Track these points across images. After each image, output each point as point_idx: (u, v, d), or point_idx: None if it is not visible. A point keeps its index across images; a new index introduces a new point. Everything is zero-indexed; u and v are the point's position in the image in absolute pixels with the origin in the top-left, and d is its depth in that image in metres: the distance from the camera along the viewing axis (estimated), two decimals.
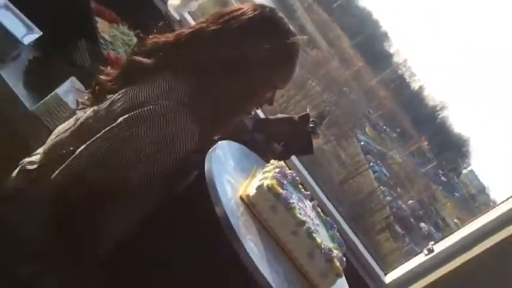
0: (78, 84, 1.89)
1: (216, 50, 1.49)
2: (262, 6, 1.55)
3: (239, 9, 1.53)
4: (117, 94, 1.43)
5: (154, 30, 1.59)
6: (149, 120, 1.34)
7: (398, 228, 18.12)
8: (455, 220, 20.50)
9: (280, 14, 1.60)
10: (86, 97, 1.53)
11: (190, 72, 1.48)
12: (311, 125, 2.59)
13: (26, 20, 1.97)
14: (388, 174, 21.10)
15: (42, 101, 1.80)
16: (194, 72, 1.49)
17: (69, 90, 1.84)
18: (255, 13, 1.52)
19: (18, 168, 1.49)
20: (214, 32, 1.49)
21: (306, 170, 3.03)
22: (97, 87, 1.49)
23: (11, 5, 1.96)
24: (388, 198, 19.30)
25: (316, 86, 18.87)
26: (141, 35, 1.59)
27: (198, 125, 1.46)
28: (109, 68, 1.56)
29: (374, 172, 20.15)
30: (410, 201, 20.36)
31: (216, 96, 1.54)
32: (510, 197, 2.79)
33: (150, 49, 1.52)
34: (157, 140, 1.36)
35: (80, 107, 1.53)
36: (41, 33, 2.00)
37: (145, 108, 1.34)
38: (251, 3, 1.57)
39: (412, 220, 19.26)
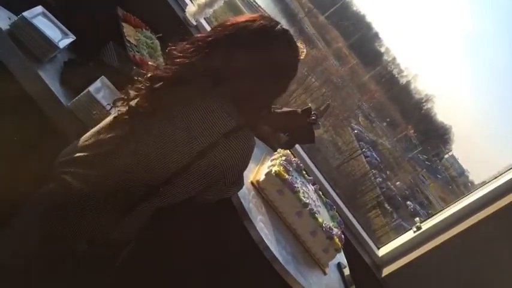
0: (108, 83, 1.87)
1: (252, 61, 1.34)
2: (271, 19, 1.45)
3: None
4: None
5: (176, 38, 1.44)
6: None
7: (387, 206, 18.12)
8: (438, 199, 20.50)
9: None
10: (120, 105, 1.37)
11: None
12: (313, 117, 2.57)
13: (62, 26, 1.96)
14: (378, 158, 21.07)
15: (76, 98, 1.79)
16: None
17: (99, 88, 1.82)
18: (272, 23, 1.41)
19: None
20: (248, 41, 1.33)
21: (308, 156, 3.01)
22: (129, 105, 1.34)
23: (48, 13, 1.94)
24: (379, 179, 19.28)
25: (315, 82, 18.78)
26: (168, 48, 1.39)
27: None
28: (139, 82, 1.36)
29: (366, 157, 20.11)
30: (398, 183, 20.33)
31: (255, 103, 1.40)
32: (489, 181, 2.78)
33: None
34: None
35: (115, 110, 1.37)
36: (75, 37, 1.98)
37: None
38: (262, 14, 1.46)
39: (399, 199, 19.25)
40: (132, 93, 1.34)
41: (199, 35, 1.39)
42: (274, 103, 1.53)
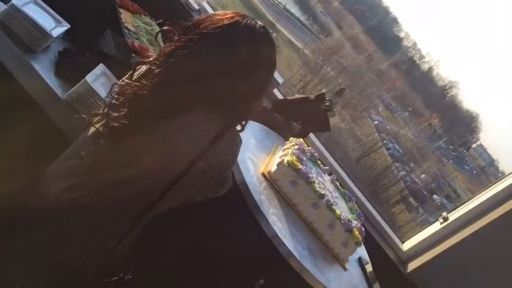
0: (106, 71, 1.85)
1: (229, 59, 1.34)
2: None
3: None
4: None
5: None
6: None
7: (412, 201, 18.01)
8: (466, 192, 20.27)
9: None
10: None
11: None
12: (327, 103, 2.53)
13: (54, 14, 1.93)
14: (401, 150, 20.91)
15: (72, 89, 1.76)
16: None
17: (97, 76, 1.80)
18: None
19: None
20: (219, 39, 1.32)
21: (325, 147, 2.97)
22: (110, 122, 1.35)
23: (40, 0, 1.92)
24: (402, 173, 19.15)
25: (331, 71, 18.70)
26: (165, 28, 1.42)
27: None
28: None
29: (388, 149, 20.00)
30: (423, 175, 20.17)
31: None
32: None
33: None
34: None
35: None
36: (69, 26, 1.96)
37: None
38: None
39: (425, 193, 19.10)
40: (111, 113, 1.34)
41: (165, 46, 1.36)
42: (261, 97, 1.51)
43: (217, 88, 1.33)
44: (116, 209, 1.30)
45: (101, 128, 1.34)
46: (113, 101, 1.36)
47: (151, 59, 1.37)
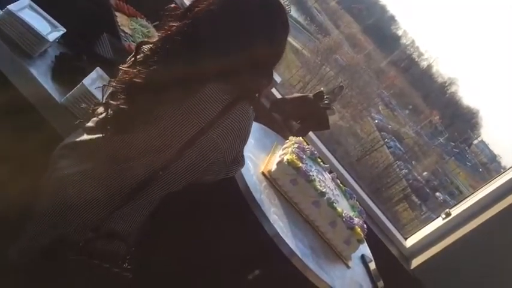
0: (104, 74, 1.85)
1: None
2: None
3: None
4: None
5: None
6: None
7: (415, 199, 17.95)
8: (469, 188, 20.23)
9: None
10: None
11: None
12: (326, 101, 2.52)
13: (50, 19, 1.93)
14: (402, 148, 20.85)
15: (69, 93, 1.77)
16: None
17: (94, 80, 1.80)
18: None
19: None
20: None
21: (325, 146, 2.96)
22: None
23: (35, 5, 1.92)
24: (404, 171, 19.09)
25: (330, 71, 18.67)
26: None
27: None
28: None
29: (389, 148, 19.93)
30: (425, 173, 20.10)
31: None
32: None
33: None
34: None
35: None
36: (65, 30, 1.96)
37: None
38: None
39: (427, 190, 19.04)
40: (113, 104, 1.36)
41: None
42: (273, 68, 1.49)
43: (230, 58, 1.33)
44: (121, 178, 1.31)
45: (105, 115, 1.36)
46: (113, 89, 1.37)
47: (153, 40, 1.38)
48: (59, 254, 1.28)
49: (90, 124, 1.43)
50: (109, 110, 1.35)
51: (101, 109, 1.40)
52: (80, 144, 1.40)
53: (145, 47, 1.38)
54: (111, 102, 1.35)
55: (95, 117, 1.42)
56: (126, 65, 1.39)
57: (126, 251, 1.35)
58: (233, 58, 1.33)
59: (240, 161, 1.55)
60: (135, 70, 1.34)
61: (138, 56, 1.38)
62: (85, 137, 1.40)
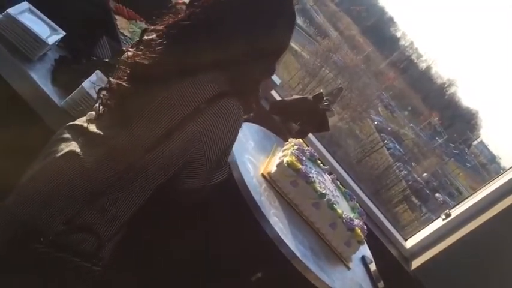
0: (103, 77, 1.85)
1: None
2: None
3: None
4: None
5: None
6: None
7: (415, 200, 17.94)
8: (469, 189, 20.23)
9: None
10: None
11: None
12: (325, 103, 2.53)
13: (50, 22, 1.94)
14: (402, 150, 20.85)
15: (69, 96, 1.77)
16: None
17: (94, 83, 1.80)
18: None
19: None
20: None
21: (325, 148, 2.97)
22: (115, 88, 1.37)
23: (35, 9, 1.93)
24: (404, 172, 19.08)
25: (329, 73, 18.69)
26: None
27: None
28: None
29: (388, 149, 19.93)
30: (425, 174, 20.11)
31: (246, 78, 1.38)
32: None
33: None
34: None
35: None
36: (64, 33, 1.96)
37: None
38: None
39: (427, 191, 19.03)
40: (113, 81, 1.37)
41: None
42: (276, 60, 1.47)
43: (232, 48, 1.31)
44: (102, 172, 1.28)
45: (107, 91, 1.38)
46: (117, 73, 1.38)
47: (158, 27, 1.36)
48: (28, 246, 1.25)
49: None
50: (111, 85, 1.37)
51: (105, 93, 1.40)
52: (87, 132, 1.37)
53: (151, 33, 1.37)
54: (113, 80, 1.37)
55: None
56: (131, 48, 1.39)
57: (98, 246, 1.31)
58: (239, 45, 1.31)
59: (223, 167, 1.46)
60: (140, 52, 1.34)
61: (143, 39, 1.38)
62: (94, 127, 1.37)
